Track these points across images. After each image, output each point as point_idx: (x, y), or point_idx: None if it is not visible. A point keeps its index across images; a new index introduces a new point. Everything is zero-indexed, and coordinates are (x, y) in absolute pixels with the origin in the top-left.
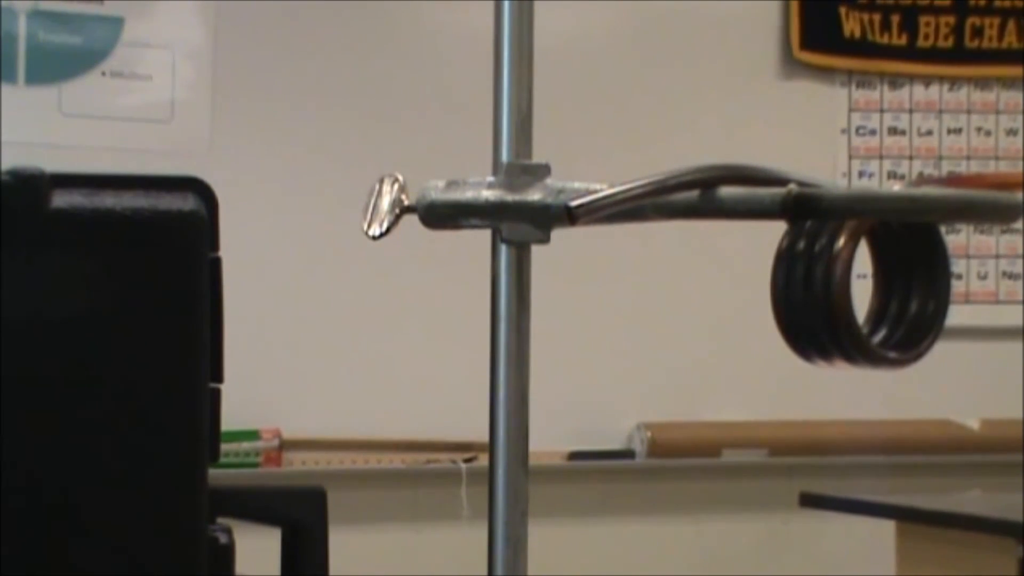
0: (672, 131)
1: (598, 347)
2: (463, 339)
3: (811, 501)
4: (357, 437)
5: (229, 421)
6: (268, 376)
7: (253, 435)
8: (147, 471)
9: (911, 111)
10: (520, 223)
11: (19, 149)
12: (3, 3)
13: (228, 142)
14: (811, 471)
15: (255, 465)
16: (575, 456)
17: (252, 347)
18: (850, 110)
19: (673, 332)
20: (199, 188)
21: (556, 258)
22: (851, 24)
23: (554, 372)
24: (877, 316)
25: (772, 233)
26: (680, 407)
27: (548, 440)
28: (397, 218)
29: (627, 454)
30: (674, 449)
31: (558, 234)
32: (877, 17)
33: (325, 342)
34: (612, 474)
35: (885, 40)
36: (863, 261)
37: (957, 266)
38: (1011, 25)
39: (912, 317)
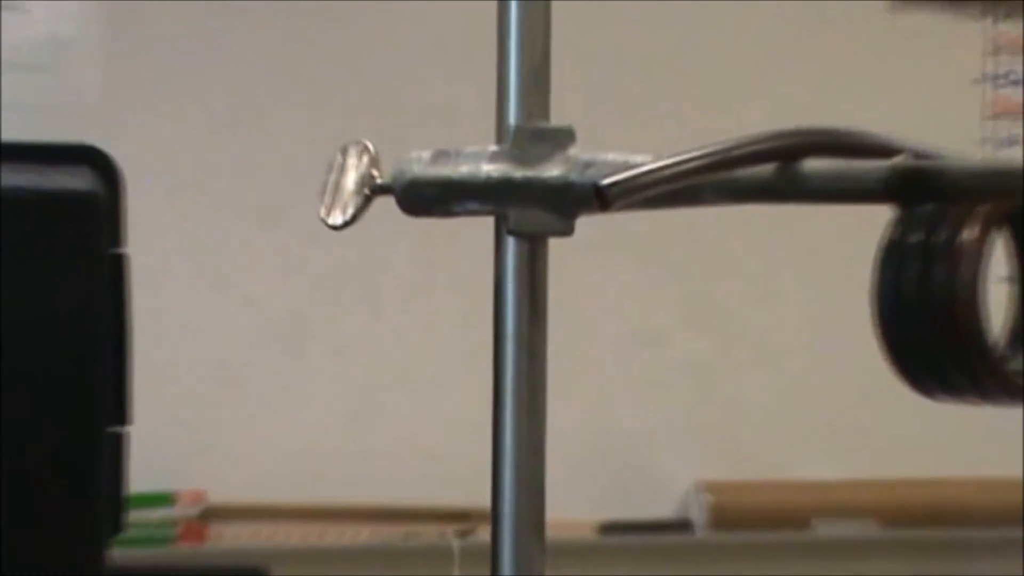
0: (739, 86)
1: (638, 377)
2: (455, 368)
3: None
4: (309, 503)
5: (137, 480)
6: (189, 420)
7: (168, 499)
8: (20, 549)
9: None
10: (533, 208)
11: None
12: None
13: (126, 97)
14: (933, 548)
15: (171, 540)
16: (610, 528)
17: (168, 380)
18: (988, 52)
19: (741, 357)
20: (97, 160)
21: (581, 255)
22: None
23: (580, 411)
24: (1018, 334)
25: (875, 220)
26: (752, 461)
27: (572, 506)
28: (367, 201)
29: (681, 525)
30: (745, 518)
31: (584, 224)
32: None
33: (265, 374)
34: (661, 553)
35: None
36: (1000, 259)
37: None
38: None
39: None
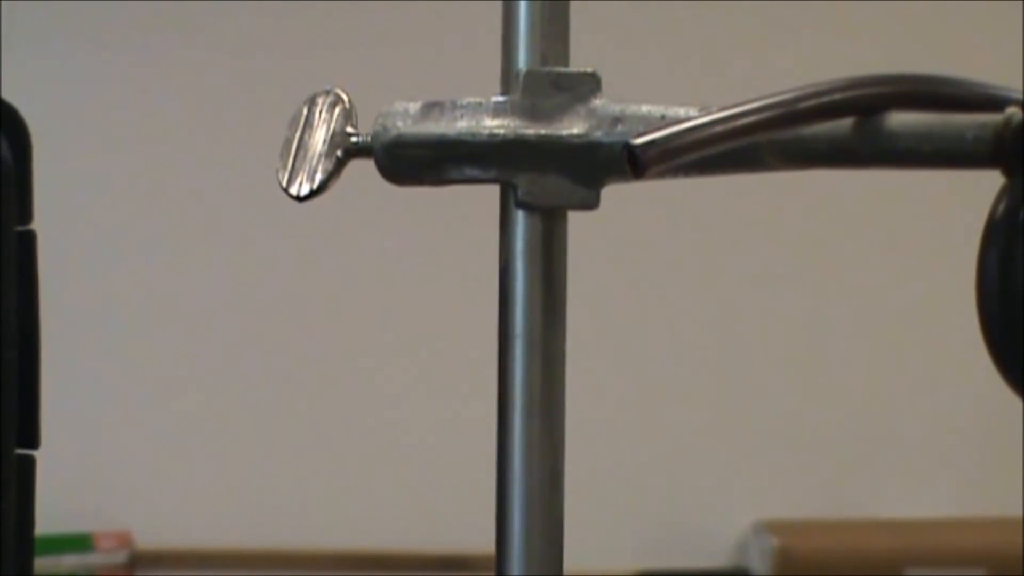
0: (805, 18)
1: (682, 393)
2: (446, 377)
3: None
4: (262, 547)
5: (50, 520)
6: (111, 447)
7: (86, 542)
8: None
9: None
10: (549, 175)
11: None
12: None
13: (26, 33)
14: None
15: None
16: None
17: (87, 398)
18: None
19: (807, 371)
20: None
21: (609, 235)
22: None
23: (609, 436)
24: None
25: (977, 189)
26: (824, 496)
27: (601, 552)
28: (340, 165)
29: (738, 575)
30: (818, 567)
31: (613, 195)
32: None
33: (206, 389)
34: None
35: None
36: None
37: None
38: None
39: None
